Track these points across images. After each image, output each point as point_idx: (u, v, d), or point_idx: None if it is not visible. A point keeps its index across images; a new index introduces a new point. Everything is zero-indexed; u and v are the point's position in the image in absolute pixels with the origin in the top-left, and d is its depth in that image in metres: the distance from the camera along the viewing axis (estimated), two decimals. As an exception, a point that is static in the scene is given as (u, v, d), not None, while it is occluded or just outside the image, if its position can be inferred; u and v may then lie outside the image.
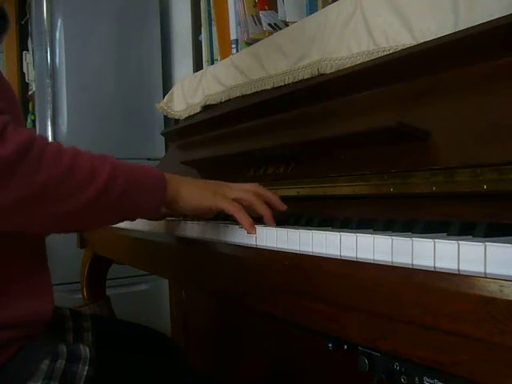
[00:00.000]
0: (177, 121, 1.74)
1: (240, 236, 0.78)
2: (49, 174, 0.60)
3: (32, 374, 0.69)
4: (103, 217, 0.69)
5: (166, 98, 1.76)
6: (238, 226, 0.79)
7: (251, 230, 0.75)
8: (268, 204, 0.80)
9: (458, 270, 0.46)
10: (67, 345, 0.75)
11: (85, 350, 0.75)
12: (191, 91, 1.61)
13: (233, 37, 1.62)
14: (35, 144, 0.60)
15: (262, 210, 0.79)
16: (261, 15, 1.46)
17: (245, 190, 0.80)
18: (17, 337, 0.71)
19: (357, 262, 0.57)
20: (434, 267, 0.49)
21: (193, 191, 0.76)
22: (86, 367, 0.73)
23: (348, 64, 0.97)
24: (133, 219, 0.77)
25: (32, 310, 0.74)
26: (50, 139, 2.20)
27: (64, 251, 2.03)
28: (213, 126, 1.40)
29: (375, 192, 0.78)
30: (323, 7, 1.19)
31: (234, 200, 0.78)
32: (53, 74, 2.22)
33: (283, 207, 0.82)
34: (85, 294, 1.58)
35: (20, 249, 0.76)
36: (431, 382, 0.58)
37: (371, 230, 0.68)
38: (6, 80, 0.76)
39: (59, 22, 2.24)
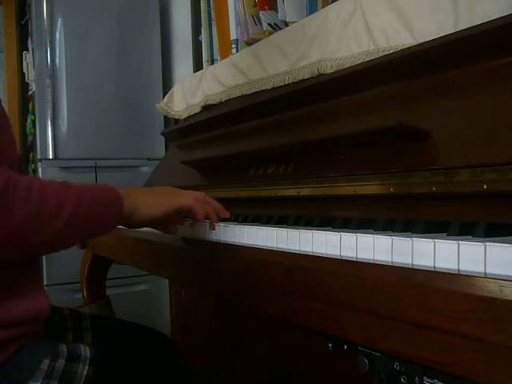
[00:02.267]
0: (177, 121, 1.74)
1: (240, 236, 0.78)
2: (21, 214, 0.63)
3: (32, 373, 0.69)
4: (75, 237, 0.74)
5: (166, 98, 1.76)
6: (237, 226, 0.80)
7: (202, 220, 0.84)
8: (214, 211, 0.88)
9: (458, 270, 0.46)
10: (67, 344, 0.75)
11: (85, 350, 0.75)
12: (191, 91, 1.61)
13: (233, 37, 1.62)
14: (9, 187, 0.63)
15: (210, 213, 0.86)
16: (261, 15, 1.46)
17: (196, 198, 0.85)
18: (15, 336, 0.71)
19: (357, 261, 0.57)
20: (434, 267, 0.49)
21: (148, 201, 0.80)
22: (86, 367, 0.73)
23: (348, 64, 0.97)
24: (96, 235, 0.82)
25: (29, 307, 0.74)
26: (50, 139, 2.20)
27: (64, 251, 2.02)
28: (213, 126, 1.40)
29: (375, 192, 0.78)
30: (323, 7, 1.19)
31: (188, 202, 0.84)
32: (53, 74, 2.22)
33: (227, 215, 0.89)
34: (85, 294, 1.58)
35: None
36: (431, 381, 0.58)
37: (371, 230, 0.68)
38: None
39: (59, 22, 2.24)
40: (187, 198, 0.83)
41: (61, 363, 0.71)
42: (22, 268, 0.76)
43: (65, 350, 0.73)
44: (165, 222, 0.86)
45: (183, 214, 0.87)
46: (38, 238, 0.66)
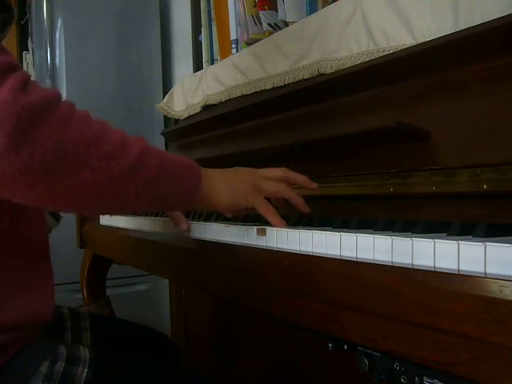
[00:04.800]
0: (177, 121, 1.74)
1: (240, 236, 0.78)
2: (78, 134, 0.54)
3: (31, 376, 0.69)
4: (128, 199, 0.60)
5: (166, 98, 1.76)
6: (238, 226, 0.79)
7: (282, 226, 0.74)
8: (300, 185, 0.81)
9: (458, 270, 0.46)
10: (67, 347, 0.75)
11: (84, 352, 0.75)
12: (191, 91, 1.61)
13: (233, 37, 1.62)
14: (63, 102, 0.55)
15: (294, 201, 0.78)
16: (261, 15, 1.46)
17: (278, 183, 0.77)
18: (16, 339, 0.71)
19: (357, 262, 0.57)
20: (434, 267, 0.49)
21: (228, 188, 0.72)
22: (86, 369, 0.72)
23: (348, 64, 0.97)
24: (165, 208, 0.72)
25: (32, 312, 0.73)
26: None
27: (64, 251, 2.03)
28: (213, 126, 1.40)
29: (375, 192, 0.78)
30: (323, 7, 1.19)
31: (270, 194, 0.77)
32: (53, 74, 2.22)
33: (314, 186, 0.81)
34: (85, 294, 1.58)
35: (21, 251, 0.75)
36: (431, 381, 0.58)
37: (371, 230, 0.68)
38: None
39: (59, 22, 2.23)
40: (265, 207, 0.74)
41: (60, 366, 0.71)
42: (30, 269, 0.76)
43: (64, 352, 0.73)
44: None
45: None
46: (95, 172, 0.55)
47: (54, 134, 0.52)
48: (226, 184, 0.73)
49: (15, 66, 0.54)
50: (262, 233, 0.73)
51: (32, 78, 0.56)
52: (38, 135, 0.51)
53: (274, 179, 0.78)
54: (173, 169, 0.65)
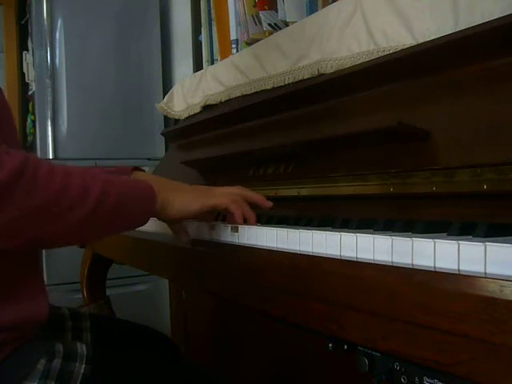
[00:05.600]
0: (177, 121, 1.74)
1: (240, 236, 0.78)
2: (43, 195, 0.61)
3: (28, 373, 0.69)
4: (96, 232, 0.71)
5: (166, 98, 1.76)
6: (238, 226, 0.79)
7: (240, 217, 0.80)
8: (254, 204, 0.85)
9: (458, 270, 0.46)
10: (63, 343, 0.75)
11: (81, 348, 0.75)
12: (191, 91, 1.61)
13: (233, 37, 1.62)
14: (29, 166, 0.61)
15: (254, 198, 0.84)
16: (261, 15, 1.46)
17: (232, 193, 0.82)
18: (12, 338, 0.71)
19: (357, 262, 0.57)
20: (434, 267, 0.49)
21: (181, 196, 0.78)
22: (83, 365, 0.72)
23: (348, 64, 0.97)
24: (125, 230, 0.79)
25: (27, 312, 0.73)
26: (50, 139, 2.20)
27: (64, 251, 2.02)
28: (213, 126, 1.40)
29: (375, 192, 0.78)
30: (323, 7, 1.19)
31: (224, 197, 0.81)
32: (53, 74, 2.22)
33: (269, 205, 0.85)
34: (85, 294, 1.58)
35: (12, 252, 0.75)
36: (431, 381, 0.58)
37: (371, 230, 0.68)
38: None
39: (59, 22, 2.24)
40: (223, 197, 0.81)
41: (57, 362, 0.71)
42: (21, 271, 0.76)
43: (61, 349, 0.73)
44: (197, 218, 0.84)
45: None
46: (65, 221, 0.63)
47: (18, 203, 0.59)
48: (178, 193, 0.78)
49: None
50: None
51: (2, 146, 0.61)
52: (3, 207, 0.58)
53: (228, 193, 0.83)
54: (129, 194, 0.72)
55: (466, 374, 0.43)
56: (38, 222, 0.62)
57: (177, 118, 1.72)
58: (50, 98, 2.20)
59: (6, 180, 0.58)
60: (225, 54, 1.70)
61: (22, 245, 0.66)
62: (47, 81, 2.20)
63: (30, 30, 2.50)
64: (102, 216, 0.67)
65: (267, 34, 1.42)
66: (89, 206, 0.64)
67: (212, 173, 1.30)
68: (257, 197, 0.85)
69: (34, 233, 0.63)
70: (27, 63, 2.53)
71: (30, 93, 2.66)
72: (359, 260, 0.57)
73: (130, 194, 0.72)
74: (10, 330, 0.71)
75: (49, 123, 2.21)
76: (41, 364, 0.70)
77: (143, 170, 1.04)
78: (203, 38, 1.89)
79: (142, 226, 0.76)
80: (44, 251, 2.09)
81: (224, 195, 0.81)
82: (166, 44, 2.54)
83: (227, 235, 0.82)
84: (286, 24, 1.36)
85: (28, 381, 0.68)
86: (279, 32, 1.29)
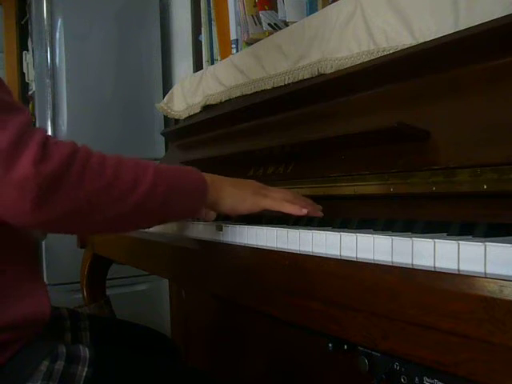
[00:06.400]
0: (177, 121, 1.74)
1: (240, 236, 0.78)
2: (92, 187, 0.62)
3: (31, 375, 0.69)
4: (145, 221, 0.73)
5: (166, 98, 1.76)
6: (237, 226, 0.79)
7: (303, 212, 0.77)
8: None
9: (458, 270, 0.46)
10: (66, 346, 0.75)
11: (84, 351, 0.75)
12: (191, 91, 1.61)
13: (233, 37, 1.62)
14: (77, 157, 0.62)
15: (307, 206, 0.79)
16: (261, 15, 1.46)
17: (283, 199, 0.80)
18: (14, 339, 0.71)
19: (357, 261, 0.57)
20: (434, 267, 0.49)
21: (233, 194, 0.78)
22: (86, 368, 0.72)
23: (348, 64, 0.97)
24: (175, 221, 0.81)
25: (29, 312, 0.73)
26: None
27: (64, 251, 2.03)
28: (213, 126, 1.40)
29: (375, 192, 0.78)
30: (323, 7, 1.19)
31: (274, 199, 0.80)
32: (53, 74, 2.22)
33: (319, 214, 0.81)
34: (85, 294, 1.58)
35: (13, 252, 0.76)
36: (431, 381, 0.58)
37: (371, 230, 0.68)
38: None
39: (59, 22, 2.23)
40: (275, 200, 0.79)
41: (60, 364, 0.71)
42: (21, 271, 0.76)
43: (64, 351, 0.73)
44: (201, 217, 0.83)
45: None
46: (113, 211, 0.64)
47: (70, 193, 0.60)
48: (230, 189, 0.78)
49: (32, 123, 0.62)
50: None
51: (48, 134, 0.63)
52: (56, 198, 0.60)
53: (279, 191, 0.81)
54: (180, 186, 0.72)
55: (465, 374, 0.43)
56: (88, 212, 0.63)
57: (177, 117, 1.72)
58: (49, 98, 2.20)
59: (57, 172, 0.59)
60: (225, 53, 1.70)
61: (72, 231, 0.70)
62: (47, 81, 2.20)
63: (30, 30, 2.51)
64: (150, 208, 0.68)
65: (267, 34, 1.42)
66: (137, 198, 0.65)
67: (212, 173, 1.30)
68: (307, 203, 0.81)
69: (84, 221, 0.65)
70: (27, 63, 2.54)
71: (30, 93, 2.66)
72: (359, 260, 0.57)
73: (182, 186, 0.72)
74: (13, 330, 0.71)
75: (49, 123, 2.20)
76: (43, 366, 0.70)
77: None
78: (203, 37, 1.89)
79: (191, 217, 0.76)
80: (44, 251, 2.09)
81: (276, 198, 0.79)
82: (165, 44, 2.53)
83: (228, 235, 0.82)
84: (286, 24, 1.36)
85: (30, 382, 0.69)
86: (279, 32, 1.29)
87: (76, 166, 0.61)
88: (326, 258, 0.60)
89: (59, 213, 0.61)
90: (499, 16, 0.69)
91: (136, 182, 0.65)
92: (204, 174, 0.76)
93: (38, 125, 2.24)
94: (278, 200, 0.79)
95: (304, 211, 0.77)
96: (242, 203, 0.78)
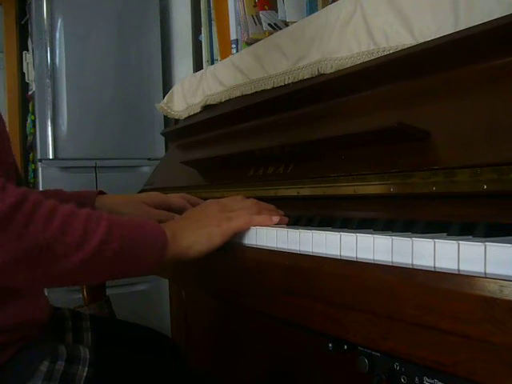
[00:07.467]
0: (177, 121, 1.74)
1: (240, 236, 0.78)
2: (33, 241, 0.57)
3: (31, 375, 0.69)
4: (92, 278, 0.70)
5: (166, 98, 1.76)
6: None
7: (273, 221, 0.76)
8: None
9: (458, 270, 0.46)
10: (67, 346, 0.75)
11: (84, 351, 0.75)
12: (191, 91, 1.61)
13: (233, 37, 1.62)
14: (22, 208, 0.57)
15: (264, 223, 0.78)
16: (261, 15, 1.46)
17: (244, 206, 0.79)
18: (15, 339, 0.71)
19: (357, 262, 0.57)
20: (434, 267, 0.49)
21: (199, 235, 0.73)
22: (86, 368, 0.73)
23: (348, 64, 0.97)
24: (131, 276, 0.73)
25: (28, 312, 0.73)
26: (50, 139, 2.20)
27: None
28: (213, 126, 1.40)
29: (375, 192, 0.78)
30: (323, 7, 1.19)
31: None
32: (53, 74, 2.22)
33: (283, 221, 0.80)
34: (85, 293, 1.58)
35: None
36: (431, 381, 0.58)
37: (371, 230, 0.68)
38: None
39: (59, 22, 2.24)
40: (242, 218, 0.76)
41: (60, 365, 0.71)
42: None
43: (64, 351, 0.73)
44: None
45: None
46: (47, 270, 0.60)
47: (8, 244, 0.56)
48: (193, 232, 0.73)
49: None
50: None
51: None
52: None
53: (242, 208, 0.79)
54: (136, 241, 0.66)
55: (466, 374, 0.43)
56: (29, 265, 0.59)
57: (177, 117, 1.72)
58: (49, 98, 2.20)
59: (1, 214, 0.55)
60: (225, 53, 1.70)
61: (20, 284, 0.63)
62: (47, 81, 2.20)
63: (30, 30, 2.50)
64: (98, 266, 0.63)
65: (267, 34, 1.42)
66: (83, 256, 0.60)
67: (212, 173, 1.30)
68: (270, 208, 0.82)
69: (25, 274, 0.60)
70: (27, 63, 2.53)
71: (30, 93, 2.66)
72: (359, 260, 0.57)
73: (137, 243, 0.66)
74: (12, 330, 0.71)
75: (49, 123, 2.20)
76: (44, 366, 0.70)
77: (105, 193, 1.00)
78: (203, 37, 1.89)
79: (150, 272, 0.70)
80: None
81: (242, 216, 0.76)
82: (165, 44, 2.54)
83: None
84: (286, 24, 1.36)
85: (31, 382, 0.69)
86: (279, 32, 1.29)
87: (19, 217, 0.57)
88: (326, 258, 0.60)
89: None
90: (499, 16, 0.69)
91: (84, 238, 0.60)
92: (165, 225, 0.71)
93: (38, 125, 2.24)
94: (246, 217, 0.76)
95: (274, 219, 0.76)
96: (210, 241, 0.73)
